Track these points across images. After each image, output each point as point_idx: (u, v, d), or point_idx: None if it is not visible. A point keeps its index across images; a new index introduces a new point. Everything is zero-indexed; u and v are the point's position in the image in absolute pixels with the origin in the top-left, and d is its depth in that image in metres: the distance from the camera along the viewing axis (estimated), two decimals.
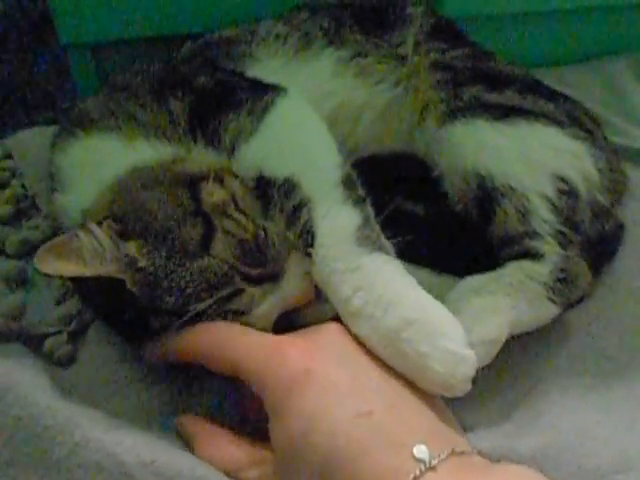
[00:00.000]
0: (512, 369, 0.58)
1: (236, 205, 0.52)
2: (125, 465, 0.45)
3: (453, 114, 0.64)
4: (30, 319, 0.57)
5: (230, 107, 0.57)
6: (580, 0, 0.96)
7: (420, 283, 0.49)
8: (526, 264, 0.58)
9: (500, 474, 0.42)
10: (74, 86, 0.88)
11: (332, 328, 0.49)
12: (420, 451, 0.41)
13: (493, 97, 0.65)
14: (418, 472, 0.40)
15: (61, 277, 0.60)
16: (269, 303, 0.50)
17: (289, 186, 0.52)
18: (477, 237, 0.62)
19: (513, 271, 0.58)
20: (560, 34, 1.01)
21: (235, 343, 0.47)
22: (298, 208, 0.52)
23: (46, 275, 0.51)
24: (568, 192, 0.60)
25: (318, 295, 0.52)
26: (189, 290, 0.48)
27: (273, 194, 0.53)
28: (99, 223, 0.50)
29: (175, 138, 0.57)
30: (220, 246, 0.49)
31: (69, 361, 0.56)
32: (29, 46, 0.95)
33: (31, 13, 0.94)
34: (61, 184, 0.59)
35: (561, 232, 0.59)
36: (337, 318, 0.50)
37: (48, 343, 0.56)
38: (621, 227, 0.69)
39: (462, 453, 0.42)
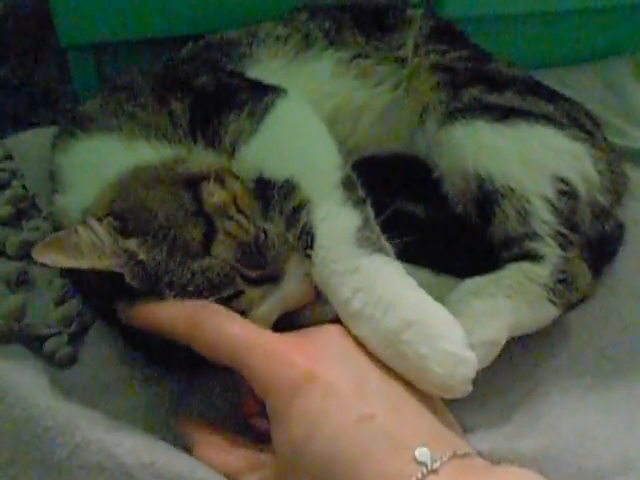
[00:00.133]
0: (512, 370, 0.58)
1: (237, 206, 0.52)
2: (125, 466, 0.45)
3: (453, 115, 0.64)
4: (30, 320, 0.57)
5: (230, 108, 0.57)
6: (580, 1, 0.96)
7: (420, 284, 0.49)
8: (526, 266, 0.58)
9: (501, 476, 0.42)
10: (74, 87, 0.88)
11: (333, 330, 0.49)
12: (422, 454, 0.41)
13: (493, 98, 0.65)
14: (420, 475, 0.40)
15: (62, 275, 0.60)
16: (269, 304, 0.50)
17: (289, 187, 0.52)
18: (477, 238, 0.62)
19: (513, 273, 0.58)
20: (560, 35, 1.01)
21: (236, 336, 0.46)
22: (298, 209, 0.52)
23: (43, 266, 0.51)
24: (568, 193, 0.60)
25: (318, 296, 0.52)
26: (190, 288, 0.48)
27: (273, 195, 0.53)
28: (99, 220, 0.50)
29: (176, 139, 0.58)
30: (221, 247, 0.49)
31: (69, 362, 0.56)
32: (29, 47, 0.95)
33: (31, 14, 0.94)
34: (61, 185, 0.59)
35: (561, 233, 0.59)
36: (337, 319, 0.50)
37: (48, 344, 0.56)
38: (621, 228, 0.69)
39: (463, 455, 0.42)
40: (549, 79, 0.77)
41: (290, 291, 0.51)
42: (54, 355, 0.56)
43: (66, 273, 0.60)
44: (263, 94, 0.59)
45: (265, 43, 0.70)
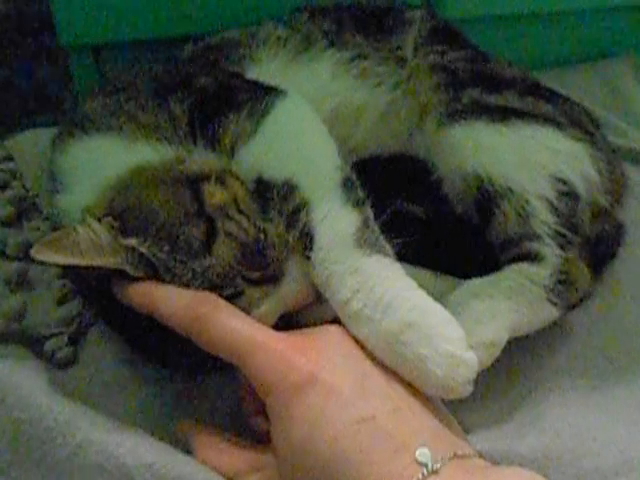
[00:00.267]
0: (512, 370, 0.58)
1: (237, 206, 0.52)
2: (126, 467, 0.45)
3: (452, 116, 0.64)
4: (31, 321, 0.57)
5: (230, 109, 0.57)
6: (580, 1, 0.97)
7: (420, 285, 0.49)
8: (526, 266, 0.58)
9: (501, 476, 0.42)
10: (75, 88, 0.88)
11: (333, 330, 0.48)
12: (422, 455, 0.41)
13: (492, 99, 0.65)
14: (421, 476, 0.40)
15: (63, 275, 0.60)
16: (269, 304, 0.50)
17: (288, 188, 0.52)
18: (477, 239, 0.62)
19: (513, 274, 0.58)
20: (560, 35, 1.01)
21: (238, 332, 0.46)
22: (297, 210, 0.51)
23: (42, 264, 0.51)
24: (568, 194, 0.60)
25: (318, 296, 0.52)
26: (191, 288, 0.48)
27: (272, 196, 0.53)
28: (99, 220, 0.50)
29: (175, 139, 0.57)
30: (222, 248, 0.49)
31: (70, 363, 0.56)
32: (30, 48, 0.95)
33: (32, 14, 0.94)
34: (62, 185, 0.59)
35: (561, 234, 0.59)
36: (337, 319, 0.50)
37: (49, 345, 0.56)
38: (621, 228, 0.69)
39: (464, 456, 0.42)
40: (548, 79, 0.77)
41: (290, 291, 0.51)
42: (54, 356, 0.56)
43: (66, 274, 0.60)
44: (263, 95, 0.59)
45: (265, 44, 0.70)
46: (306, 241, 0.50)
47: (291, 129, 0.58)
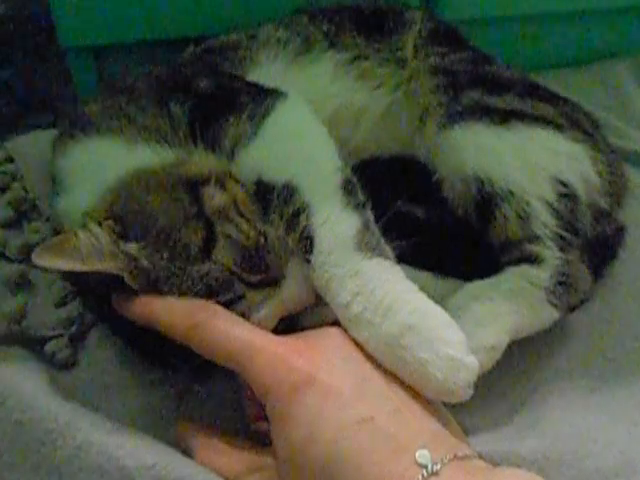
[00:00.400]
0: (513, 372, 0.58)
1: (237, 209, 0.52)
2: (126, 469, 0.45)
3: (452, 118, 0.64)
4: (31, 322, 0.57)
5: (230, 111, 0.57)
6: (579, 3, 0.97)
7: (420, 287, 0.49)
8: (526, 269, 0.58)
9: (502, 478, 0.42)
10: (75, 89, 0.88)
11: (333, 332, 0.48)
12: (422, 456, 0.41)
13: (492, 101, 0.65)
14: (420, 477, 0.40)
15: (61, 278, 0.60)
16: (269, 308, 0.50)
17: (288, 191, 0.52)
18: (477, 241, 0.62)
19: (513, 276, 0.58)
20: (560, 37, 1.01)
21: (236, 337, 0.46)
22: (297, 213, 0.51)
23: (43, 269, 0.51)
24: (568, 195, 0.60)
25: (319, 298, 0.51)
26: (189, 295, 0.48)
27: (272, 199, 0.52)
28: (99, 223, 0.50)
29: (176, 142, 0.57)
30: (222, 252, 0.49)
31: (70, 364, 0.56)
32: (30, 49, 0.95)
33: (32, 16, 0.94)
34: (62, 187, 0.59)
35: (561, 236, 0.59)
36: (337, 322, 0.50)
37: (49, 346, 0.56)
38: (621, 230, 0.69)
39: (464, 457, 0.42)
40: (548, 81, 0.78)
41: (290, 295, 0.51)
42: (55, 357, 0.56)
43: (66, 276, 0.60)
44: (263, 97, 0.59)
45: (265, 46, 0.70)
46: (306, 244, 0.50)
47: (291, 131, 0.58)
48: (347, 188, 0.53)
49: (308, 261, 0.50)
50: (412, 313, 0.47)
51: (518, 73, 0.74)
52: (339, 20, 0.74)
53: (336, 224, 0.51)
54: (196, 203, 0.51)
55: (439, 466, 0.40)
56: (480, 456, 0.46)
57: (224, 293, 0.49)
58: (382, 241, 0.51)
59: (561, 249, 0.58)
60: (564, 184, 0.60)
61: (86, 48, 0.84)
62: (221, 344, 0.46)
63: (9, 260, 0.62)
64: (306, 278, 0.51)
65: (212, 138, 0.57)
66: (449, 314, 0.48)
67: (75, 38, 0.81)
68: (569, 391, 0.57)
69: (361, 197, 0.53)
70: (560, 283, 0.57)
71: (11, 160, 0.70)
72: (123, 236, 0.50)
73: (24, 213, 0.66)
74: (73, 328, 0.58)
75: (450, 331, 0.47)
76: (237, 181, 0.54)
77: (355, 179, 0.54)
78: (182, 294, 0.48)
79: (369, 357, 0.47)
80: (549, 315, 0.58)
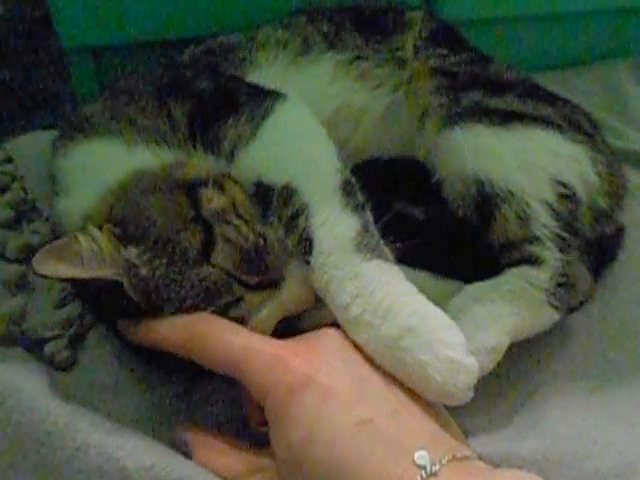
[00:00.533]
0: (512, 373, 0.58)
1: (236, 211, 0.52)
2: (126, 470, 0.45)
3: (452, 119, 0.64)
4: (30, 323, 0.57)
5: (230, 113, 0.57)
6: (579, 4, 0.97)
7: (420, 288, 0.49)
8: (526, 270, 0.58)
9: (502, 479, 0.42)
10: (74, 90, 0.88)
11: (332, 333, 0.48)
12: (421, 457, 0.41)
13: (492, 102, 0.65)
14: (419, 479, 0.40)
15: (61, 280, 0.60)
16: (269, 310, 0.50)
17: (288, 192, 0.52)
18: (477, 242, 0.62)
19: (513, 278, 0.58)
20: (560, 37, 1.01)
21: (234, 343, 0.46)
22: (296, 215, 0.51)
23: (44, 277, 0.51)
24: (568, 196, 0.60)
25: (318, 300, 0.51)
26: (189, 300, 0.48)
27: (272, 200, 0.52)
28: (99, 227, 0.50)
29: (175, 143, 0.57)
30: (221, 255, 0.49)
31: (70, 365, 0.56)
32: (29, 50, 0.95)
33: (32, 17, 0.94)
34: (62, 188, 0.59)
35: (561, 237, 0.59)
36: (337, 323, 0.50)
37: (48, 347, 0.56)
38: (621, 231, 0.69)
39: (463, 458, 0.42)
40: (549, 82, 0.77)
41: (289, 296, 0.51)
42: (54, 358, 0.56)
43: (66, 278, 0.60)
44: (263, 98, 0.59)
45: (265, 47, 0.70)
46: (305, 245, 0.50)
47: (290, 133, 0.58)
48: (346, 189, 0.53)
49: (307, 262, 0.50)
50: (412, 315, 0.47)
51: (518, 74, 0.74)
52: (339, 20, 0.74)
53: (335, 225, 0.51)
54: (194, 206, 0.51)
55: (438, 467, 0.40)
56: (480, 457, 0.46)
57: (223, 296, 0.49)
58: (381, 242, 0.51)
59: (561, 250, 0.58)
60: (564, 185, 0.60)
61: (86, 48, 0.84)
62: (220, 353, 0.46)
63: (8, 261, 0.62)
64: (305, 280, 0.51)
65: (211, 139, 0.57)
66: (449, 316, 0.48)
67: (75, 38, 0.81)
68: (569, 392, 0.57)
69: (360, 198, 0.53)
70: (560, 284, 0.57)
71: (10, 160, 0.70)
72: (123, 239, 0.50)
73: (24, 213, 0.66)
74: (72, 329, 0.58)
75: (450, 333, 0.47)
76: (236, 183, 0.54)
77: (354, 180, 0.54)
78: (181, 300, 0.48)
79: (368, 359, 0.47)
80: (549, 316, 0.58)
